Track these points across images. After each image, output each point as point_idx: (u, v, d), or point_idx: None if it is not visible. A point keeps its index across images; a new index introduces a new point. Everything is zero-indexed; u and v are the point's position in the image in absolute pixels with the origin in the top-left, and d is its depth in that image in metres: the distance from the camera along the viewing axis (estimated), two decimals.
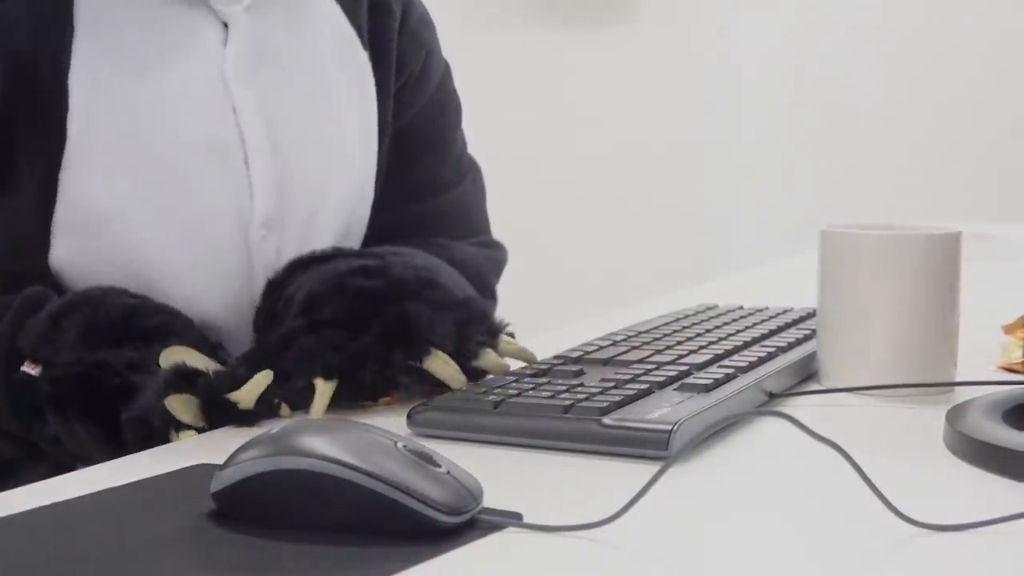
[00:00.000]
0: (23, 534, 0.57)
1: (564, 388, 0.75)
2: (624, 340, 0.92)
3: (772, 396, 0.82)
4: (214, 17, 0.93)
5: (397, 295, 0.80)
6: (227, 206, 0.90)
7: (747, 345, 0.90)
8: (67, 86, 0.87)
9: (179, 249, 0.89)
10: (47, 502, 0.61)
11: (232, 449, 0.59)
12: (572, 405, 0.71)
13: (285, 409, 0.77)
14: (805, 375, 0.88)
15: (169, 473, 0.66)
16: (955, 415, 0.73)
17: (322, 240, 0.96)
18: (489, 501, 0.59)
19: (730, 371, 0.80)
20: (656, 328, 0.97)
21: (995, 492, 0.64)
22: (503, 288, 1.10)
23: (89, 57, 0.88)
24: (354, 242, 1.01)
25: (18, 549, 0.55)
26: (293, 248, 0.93)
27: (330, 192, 0.97)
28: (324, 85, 0.97)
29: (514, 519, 0.58)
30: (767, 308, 1.08)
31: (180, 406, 0.74)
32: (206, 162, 0.90)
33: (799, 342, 0.92)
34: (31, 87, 0.87)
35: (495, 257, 1.09)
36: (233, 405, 0.75)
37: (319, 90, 0.97)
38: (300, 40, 0.97)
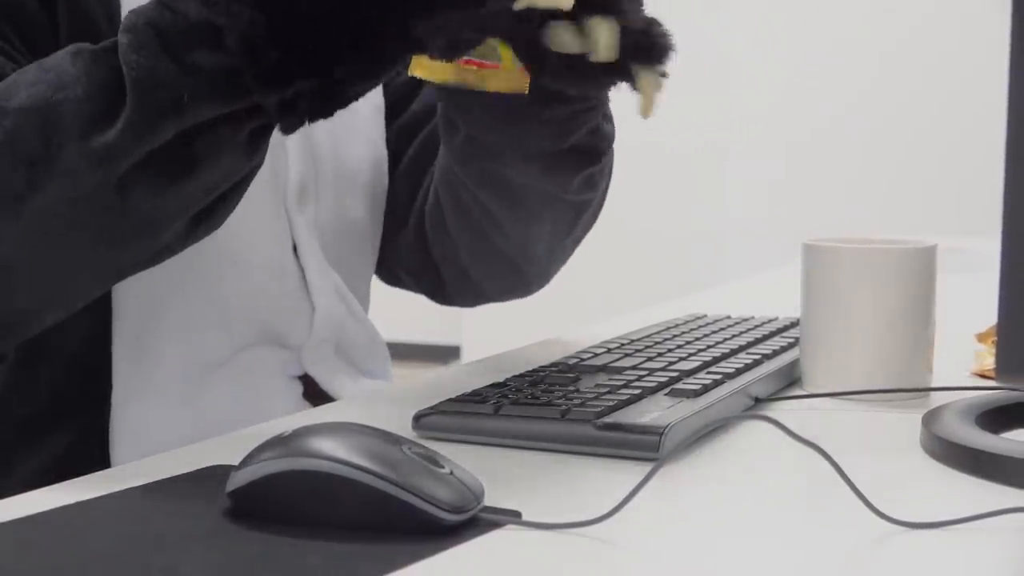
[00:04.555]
0: (45, 533, 0.58)
1: (561, 393, 0.77)
2: (618, 348, 0.93)
3: (758, 401, 0.84)
4: None
5: None
6: (266, 175, 0.90)
7: (734, 352, 0.92)
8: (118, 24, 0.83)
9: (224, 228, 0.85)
10: (69, 502, 0.62)
11: (247, 451, 0.61)
12: (568, 409, 0.73)
13: None
14: (789, 381, 0.90)
15: (187, 473, 0.68)
16: (931, 419, 0.75)
17: (355, 206, 0.99)
18: (490, 500, 0.61)
19: (718, 377, 0.82)
20: (648, 336, 0.98)
21: (969, 492, 0.66)
22: (501, 303, 1.12)
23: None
24: (380, 208, 1.04)
25: (40, 548, 0.56)
26: (329, 215, 0.96)
27: (351, 156, 0.99)
28: None
29: (513, 517, 0.60)
30: (753, 317, 1.10)
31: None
32: None
33: (783, 349, 0.94)
34: (88, 26, 0.83)
35: None
36: None
37: None
38: None
